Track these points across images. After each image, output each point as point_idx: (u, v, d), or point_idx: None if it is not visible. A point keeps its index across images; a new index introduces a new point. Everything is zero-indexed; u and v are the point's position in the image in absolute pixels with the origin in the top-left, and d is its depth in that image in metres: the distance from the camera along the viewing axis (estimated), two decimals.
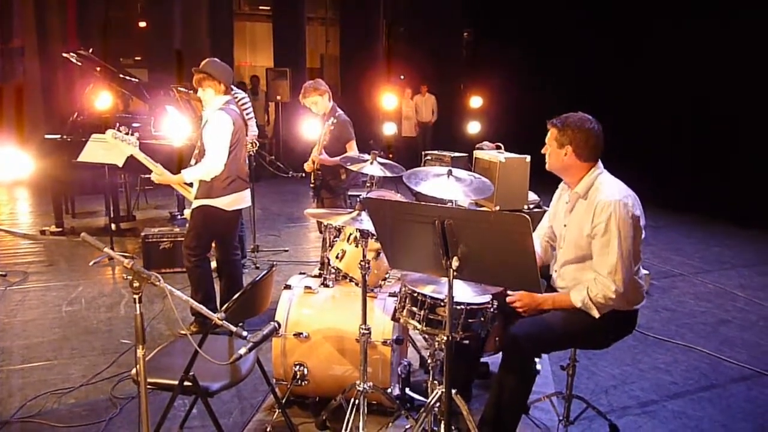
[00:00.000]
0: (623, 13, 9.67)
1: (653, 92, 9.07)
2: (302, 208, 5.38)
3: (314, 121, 4.84)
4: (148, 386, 2.07)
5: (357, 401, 2.76)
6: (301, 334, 2.95)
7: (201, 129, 3.84)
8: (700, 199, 8.15)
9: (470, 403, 3.01)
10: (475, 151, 4.49)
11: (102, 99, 6.76)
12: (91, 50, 6.69)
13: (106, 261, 5.59)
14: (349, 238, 3.02)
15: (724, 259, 6.22)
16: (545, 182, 3.11)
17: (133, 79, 6.92)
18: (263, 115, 11.98)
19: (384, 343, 2.90)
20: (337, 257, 3.05)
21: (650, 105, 9.17)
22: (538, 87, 10.55)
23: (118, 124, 4.50)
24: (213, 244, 4.07)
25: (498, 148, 4.41)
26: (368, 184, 3.75)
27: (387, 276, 3.34)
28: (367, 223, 2.67)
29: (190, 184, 3.93)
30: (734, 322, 4.52)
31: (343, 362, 2.95)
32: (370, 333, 2.77)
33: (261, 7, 15.26)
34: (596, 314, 2.51)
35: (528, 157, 4.03)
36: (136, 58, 13.51)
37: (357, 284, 2.95)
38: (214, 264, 4.17)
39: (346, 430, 2.72)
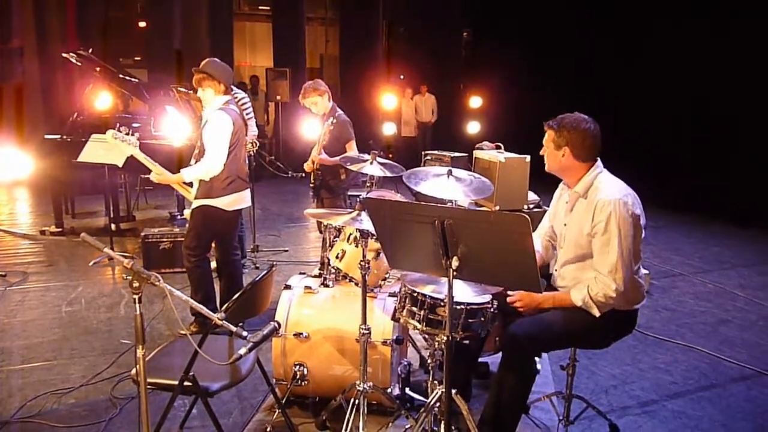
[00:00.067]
0: (623, 13, 9.66)
1: (653, 92, 9.07)
2: (302, 208, 5.38)
3: (314, 121, 4.84)
4: (148, 386, 2.07)
5: (357, 401, 2.76)
6: (301, 334, 2.95)
7: (201, 129, 3.84)
8: (700, 199, 8.15)
9: (470, 402, 3.01)
10: (474, 151, 4.49)
11: (102, 99, 6.76)
12: (90, 50, 6.69)
13: (106, 261, 5.59)
14: (349, 238, 3.02)
15: (724, 259, 6.22)
16: (545, 182, 3.11)
17: (132, 80, 6.91)
18: (263, 115, 11.99)
19: (384, 343, 2.90)
20: (337, 257, 3.05)
21: (650, 105, 9.17)
22: (537, 87, 10.55)
23: (118, 125, 4.50)
24: (213, 244, 4.07)
25: (498, 148, 4.41)
26: (368, 184, 3.75)
27: (387, 276, 3.34)
28: (366, 223, 2.67)
29: (190, 184, 3.93)
30: (734, 322, 4.52)
31: (343, 362, 2.95)
32: (370, 333, 2.77)
33: (261, 7, 15.26)
34: (597, 313, 2.51)
35: (528, 157, 4.03)
36: (136, 58, 13.50)
37: (357, 284, 2.95)
38: (213, 264, 4.17)
39: (346, 430, 2.72)
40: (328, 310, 3.04)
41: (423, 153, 4.95)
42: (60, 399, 3.22)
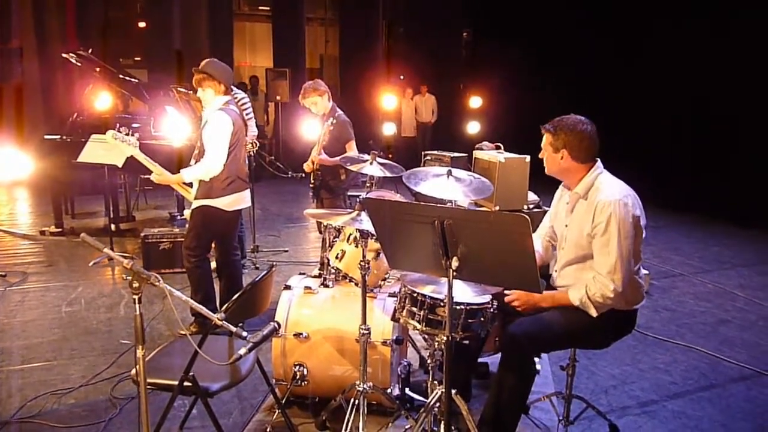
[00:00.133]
0: (623, 13, 9.67)
1: (653, 92, 9.07)
2: (302, 209, 5.38)
3: (314, 122, 4.84)
4: (148, 387, 2.07)
5: (357, 401, 2.76)
6: (301, 334, 2.95)
7: (201, 129, 3.84)
8: (700, 199, 8.15)
9: (470, 403, 3.01)
10: (474, 151, 4.50)
11: (101, 99, 6.76)
12: (90, 51, 6.69)
13: (106, 261, 5.59)
14: (348, 239, 3.02)
15: (724, 259, 6.22)
16: (545, 182, 3.11)
17: (132, 80, 6.91)
18: (263, 115, 11.98)
19: (384, 343, 2.90)
20: (336, 257, 3.05)
21: (650, 105, 9.17)
22: (537, 87, 10.55)
23: (117, 125, 4.50)
24: (213, 245, 4.07)
25: (497, 148, 4.41)
26: (368, 185, 3.75)
27: (387, 276, 3.34)
28: (366, 224, 2.67)
29: (190, 185, 3.93)
30: (734, 322, 4.52)
31: (343, 362, 2.95)
32: (369, 333, 2.77)
33: (260, 8, 15.24)
34: (594, 313, 2.51)
35: (527, 157, 4.03)
36: (136, 59, 13.49)
37: (357, 284, 2.95)
38: (213, 264, 4.17)
39: (345, 430, 2.72)
40: (327, 311, 3.04)
41: (423, 153, 4.95)
42: (60, 399, 3.22)
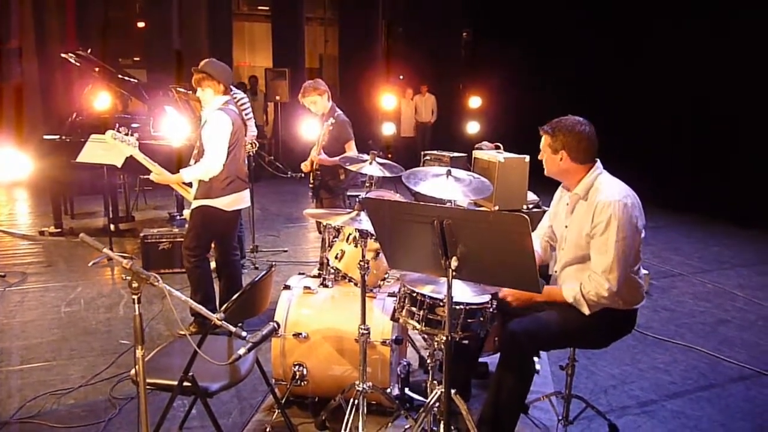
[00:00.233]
0: (623, 13, 9.67)
1: (653, 92, 9.07)
2: (301, 209, 5.38)
3: (313, 122, 4.84)
4: (148, 387, 2.07)
5: (356, 401, 2.76)
6: (301, 334, 2.95)
7: (200, 129, 3.84)
8: (699, 199, 8.15)
9: (469, 402, 3.01)
10: (474, 151, 4.49)
11: (101, 99, 6.75)
12: (89, 51, 6.69)
13: (105, 262, 5.59)
14: (348, 239, 3.02)
15: (724, 259, 6.22)
16: (544, 182, 3.11)
17: (132, 80, 6.91)
18: (262, 115, 11.98)
19: (383, 343, 2.90)
20: (336, 257, 3.05)
21: (650, 105, 9.17)
22: (537, 87, 10.56)
23: (117, 125, 4.50)
24: (212, 245, 4.07)
25: (497, 148, 4.41)
26: (367, 184, 3.75)
27: (386, 276, 3.34)
28: (366, 223, 2.67)
29: (189, 185, 3.93)
30: (733, 322, 4.52)
31: (343, 362, 2.95)
32: (369, 333, 2.77)
33: (260, 8, 15.24)
34: (586, 311, 2.51)
35: (527, 157, 4.02)
36: (135, 59, 13.49)
37: (356, 284, 2.95)
38: (213, 264, 4.17)
39: (345, 430, 2.72)
40: (327, 311, 3.04)
41: (422, 153, 4.95)
42: (59, 399, 3.22)
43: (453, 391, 2.31)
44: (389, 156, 10.81)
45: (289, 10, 12.52)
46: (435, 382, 2.55)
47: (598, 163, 2.62)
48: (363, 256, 2.73)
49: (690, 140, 8.85)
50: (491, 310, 2.45)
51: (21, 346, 3.88)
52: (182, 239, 4.11)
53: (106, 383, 3.38)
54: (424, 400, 2.69)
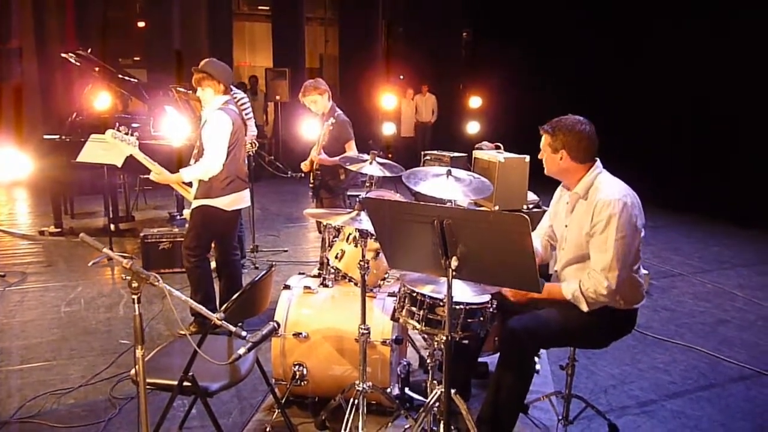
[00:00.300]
0: (623, 13, 9.67)
1: (653, 92, 9.07)
2: (301, 208, 5.38)
3: (313, 121, 4.84)
4: (148, 387, 2.07)
5: (356, 401, 2.76)
6: (301, 334, 2.95)
7: (200, 129, 3.84)
8: (699, 199, 8.16)
9: (469, 402, 3.01)
10: (474, 151, 4.49)
11: (101, 99, 6.76)
12: (89, 50, 6.69)
13: (105, 261, 5.59)
14: (348, 238, 3.02)
15: (724, 259, 6.22)
16: (544, 182, 3.11)
17: (132, 80, 6.91)
18: (262, 115, 11.99)
19: (383, 342, 2.90)
20: (336, 257, 3.05)
21: (650, 105, 9.17)
22: (537, 87, 10.55)
23: (117, 124, 4.49)
24: (212, 245, 4.07)
25: (497, 148, 4.41)
26: (367, 184, 3.75)
27: (386, 276, 3.34)
28: (366, 223, 2.67)
29: (189, 184, 3.93)
30: (733, 322, 4.52)
31: (343, 362, 2.95)
32: (369, 333, 2.77)
33: (260, 7, 15.25)
34: (585, 308, 2.51)
35: (527, 157, 4.03)
36: (135, 59, 13.49)
37: (356, 284, 2.95)
38: (213, 264, 4.17)
39: (345, 430, 2.72)
40: (327, 310, 3.04)
41: (422, 153, 4.95)
42: (59, 399, 3.22)
43: (453, 390, 2.31)
44: (389, 156, 10.81)
45: (289, 10, 12.52)
46: (435, 381, 2.55)
47: (598, 163, 2.62)
48: (363, 256, 2.73)
49: (690, 140, 8.85)
50: (491, 309, 2.46)
51: (21, 345, 3.88)
52: (182, 239, 4.11)
53: (106, 383, 3.38)
54: (424, 399, 2.69)
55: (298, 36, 12.59)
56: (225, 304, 2.34)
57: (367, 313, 2.78)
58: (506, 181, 4.02)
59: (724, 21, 8.26)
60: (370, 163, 3.42)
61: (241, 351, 1.99)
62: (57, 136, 6.44)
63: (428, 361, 2.60)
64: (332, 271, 3.13)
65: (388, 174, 3.39)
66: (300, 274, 3.35)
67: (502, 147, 4.41)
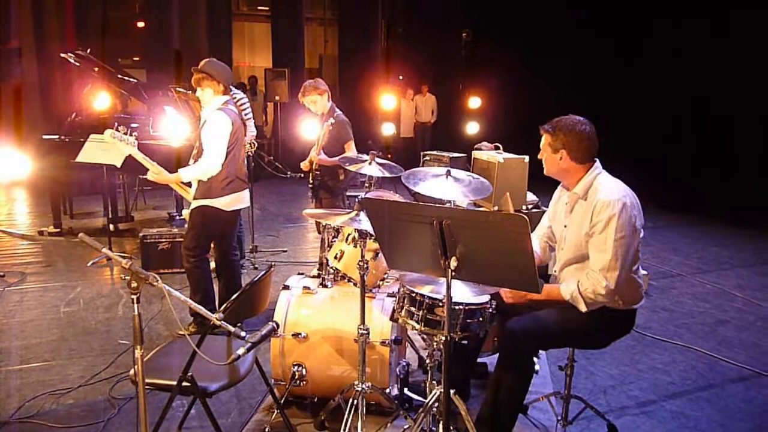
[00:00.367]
0: (623, 13, 9.67)
1: (653, 92, 9.07)
2: (301, 209, 5.39)
3: (313, 122, 4.84)
4: (147, 387, 2.07)
5: (355, 401, 2.76)
6: (300, 334, 2.95)
7: (199, 129, 3.84)
8: (699, 199, 8.16)
9: (468, 403, 3.01)
10: (473, 152, 4.50)
11: (100, 99, 6.75)
12: (89, 50, 6.69)
13: (105, 261, 5.59)
14: (347, 239, 3.02)
15: (723, 260, 6.23)
16: (544, 182, 3.11)
17: (131, 80, 6.91)
18: (262, 115, 11.98)
19: (382, 343, 2.90)
20: (335, 257, 3.05)
21: (650, 105, 9.17)
22: (537, 87, 10.54)
23: (116, 125, 4.50)
24: (212, 245, 4.06)
25: (496, 148, 4.42)
26: (367, 185, 3.75)
27: (385, 276, 3.34)
28: (365, 224, 2.67)
29: (189, 184, 3.92)
30: (732, 323, 4.52)
31: (342, 362, 2.95)
32: (368, 333, 2.77)
33: (259, 8, 15.24)
34: (583, 308, 2.51)
35: (526, 158, 4.03)
36: (135, 59, 13.48)
37: (355, 284, 2.95)
38: (212, 264, 4.17)
39: (344, 430, 2.72)
40: (326, 311, 3.04)
41: (422, 153, 4.96)
42: (58, 399, 3.22)
43: (452, 391, 2.31)
44: (389, 156, 10.80)
45: (288, 10, 12.52)
46: (434, 382, 2.55)
47: (598, 163, 2.63)
48: (362, 257, 2.73)
49: (690, 140, 8.85)
50: (490, 310, 2.46)
51: (20, 345, 3.88)
52: (182, 239, 4.11)
53: (105, 383, 3.38)
54: (423, 400, 2.69)
55: (297, 36, 12.59)
56: (224, 305, 2.34)
57: (366, 314, 2.78)
58: (505, 181, 4.02)
59: (724, 21, 8.26)
60: (370, 163, 3.42)
61: (240, 351, 1.99)
62: (56, 136, 6.44)
63: (427, 361, 2.60)
64: (331, 271, 3.13)
65: (387, 174, 3.39)
66: (299, 274, 3.35)
67: (501, 147, 4.41)
